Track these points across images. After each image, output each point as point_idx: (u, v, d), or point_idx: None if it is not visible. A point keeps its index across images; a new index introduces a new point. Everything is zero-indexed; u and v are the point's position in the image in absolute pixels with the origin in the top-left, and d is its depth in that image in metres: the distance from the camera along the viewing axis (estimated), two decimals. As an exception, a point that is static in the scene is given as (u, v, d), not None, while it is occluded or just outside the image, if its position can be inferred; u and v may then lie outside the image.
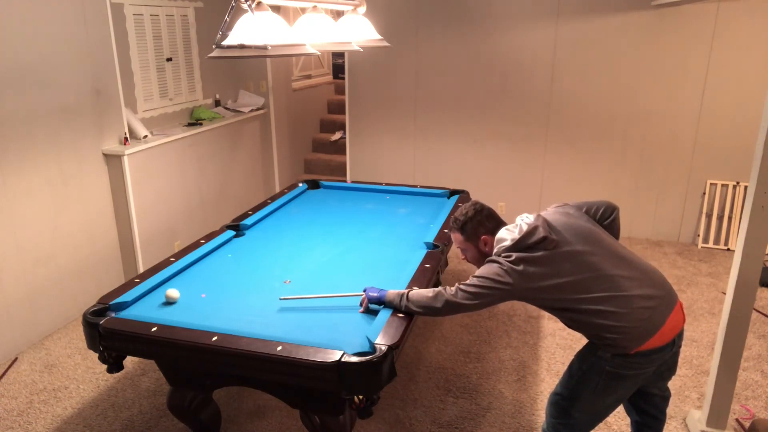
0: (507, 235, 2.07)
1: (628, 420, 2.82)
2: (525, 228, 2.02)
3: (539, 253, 1.95)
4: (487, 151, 5.33)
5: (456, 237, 2.23)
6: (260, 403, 2.94)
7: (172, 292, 2.40)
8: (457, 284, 2.06)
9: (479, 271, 2.04)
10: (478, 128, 5.30)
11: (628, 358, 1.95)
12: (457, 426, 2.77)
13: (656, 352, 1.96)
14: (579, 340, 3.49)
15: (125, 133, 4.02)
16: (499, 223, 2.17)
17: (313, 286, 2.56)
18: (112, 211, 4.01)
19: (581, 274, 1.93)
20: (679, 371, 3.22)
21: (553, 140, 5.17)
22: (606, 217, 2.28)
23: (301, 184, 4.08)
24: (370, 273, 2.72)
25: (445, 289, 2.09)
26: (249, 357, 2.00)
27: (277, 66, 5.87)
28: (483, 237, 2.15)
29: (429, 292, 2.13)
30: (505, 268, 1.96)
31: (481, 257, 2.18)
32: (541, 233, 1.97)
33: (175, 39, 4.71)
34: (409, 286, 2.47)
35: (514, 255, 1.97)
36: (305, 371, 1.94)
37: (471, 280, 2.03)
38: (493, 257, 2.05)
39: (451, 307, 2.05)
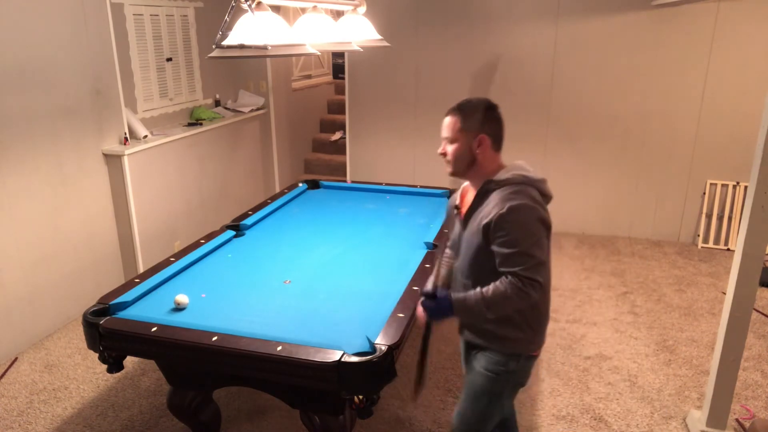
0: (527, 168, 1.85)
1: (628, 420, 2.83)
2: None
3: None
4: (487, 151, 5.32)
5: (451, 121, 1.87)
6: (260, 403, 2.94)
7: (182, 298, 2.35)
8: (510, 274, 1.71)
9: (513, 232, 1.71)
10: (478, 128, 5.29)
11: (529, 361, 1.93)
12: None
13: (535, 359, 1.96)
14: (579, 340, 3.49)
15: (125, 133, 4.02)
16: (502, 138, 1.88)
17: (313, 286, 2.56)
18: (112, 211, 4.01)
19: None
20: (679, 371, 3.23)
21: (553, 140, 5.17)
22: None
23: (301, 184, 4.08)
24: (370, 273, 2.72)
25: (508, 281, 1.72)
26: (249, 357, 1.99)
27: (277, 66, 5.87)
28: (481, 135, 1.82)
29: (498, 289, 1.74)
30: (529, 208, 1.73)
31: (466, 158, 1.85)
32: (551, 193, 1.86)
33: (175, 39, 4.71)
34: (409, 287, 2.47)
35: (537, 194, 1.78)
36: (305, 371, 1.94)
37: (520, 248, 1.70)
38: (515, 187, 1.76)
39: (532, 294, 1.72)
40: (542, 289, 1.74)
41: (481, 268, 1.83)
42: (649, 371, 3.22)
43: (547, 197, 1.86)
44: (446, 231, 3.16)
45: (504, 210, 1.73)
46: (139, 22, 4.32)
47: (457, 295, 1.82)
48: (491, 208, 1.77)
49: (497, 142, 1.87)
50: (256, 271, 2.73)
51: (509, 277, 1.72)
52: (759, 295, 4.08)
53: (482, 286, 1.79)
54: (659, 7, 4.60)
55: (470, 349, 2.03)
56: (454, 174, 1.92)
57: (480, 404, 1.97)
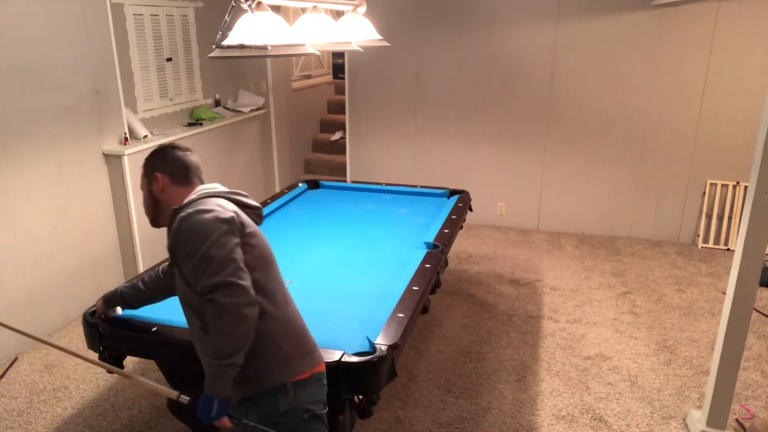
0: (214, 186, 1.75)
1: (628, 420, 2.83)
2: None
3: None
4: (487, 151, 5.33)
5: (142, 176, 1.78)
6: (260, 403, 2.93)
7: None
8: (205, 294, 1.52)
9: (187, 242, 1.56)
10: (478, 128, 5.30)
11: (306, 386, 1.70)
12: (457, 426, 2.77)
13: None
14: (579, 340, 3.50)
15: (125, 133, 4.02)
16: (185, 172, 1.74)
17: (313, 286, 2.56)
18: (112, 211, 4.01)
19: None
20: (679, 371, 3.23)
21: (553, 140, 5.17)
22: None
23: (301, 184, 4.08)
24: (370, 273, 2.72)
25: (208, 313, 1.53)
26: (249, 357, 1.99)
27: (277, 66, 5.87)
28: (156, 174, 1.72)
29: (211, 326, 1.52)
30: (206, 211, 1.58)
31: (150, 202, 1.75)
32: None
33: (175, 39, 4.71)
34: (409, 287, 2.47)
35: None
36: (305, 371, 1.94)
37: (199, 255, 1.53)
38: (194, 204, 1.63)
39: (236, 299, 1.50)
40: (246, 291, 1.51)
41: (195, 309, 1.65)
42: (649, 371, 3.22)
43: (247, 207, 1.74)
44: (446, 231, 3.17)
45: (175, 225, 1.60)
46: (139, 22, 4.32)
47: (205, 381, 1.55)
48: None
49: (177, 177, 1.73)
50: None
51: (207, 299, 1.51)
52: (759, 295, 4.08)
53: (206, 326, 1.58)
54: (659, 7, 4.60)
55: (238, 413, 1.69)
56: (153, 224, 1.79)
57: None
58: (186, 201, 1.68)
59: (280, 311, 1.69)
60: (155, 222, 1.78)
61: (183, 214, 1.60)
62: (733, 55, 4.58)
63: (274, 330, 1.66)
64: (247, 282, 1.53)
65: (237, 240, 1.59)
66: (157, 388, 1.72)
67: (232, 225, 1.60)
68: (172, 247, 1.62)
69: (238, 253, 1.57)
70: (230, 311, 1.49)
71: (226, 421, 1.56)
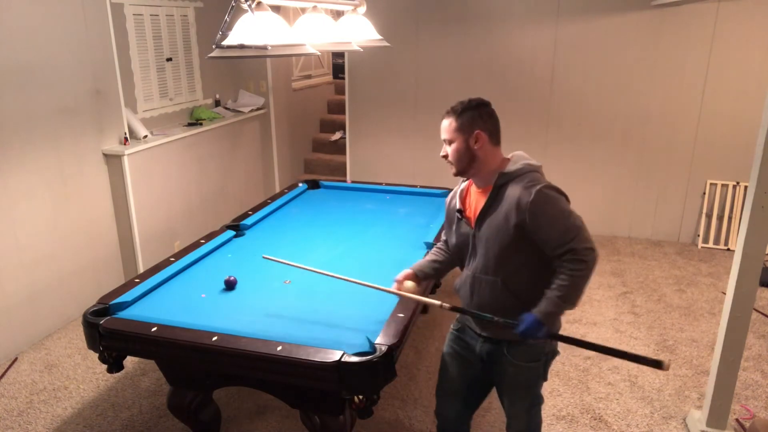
0: (529, 157, 1.92)
1: (628, 420, 2.83)
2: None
3: None
4: (487, 151, 5.32)
5: (447, 123, 1.91)
6: (260, 403, 2.94)
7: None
8: (567, 252, 1.76)
9: (549, 213, 1.77)
10: (478, 128, 5.29)
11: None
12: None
13: None
14: (579, 340, 3.49)
15: (125, 133, 4.02)
16: (499, 132, 1.92)
17: (313, 286, 2.56)
18: (112, 211, 4.01)
19: None
20: (679, 371, 3.23)
21: (553, 140, 5.17)
22: None
23: (301, 184, 4.07)
24: (370, 273, 2.71)
25: (565, 268, 1.78)
26: (249, 357, 2.00)
27: (277, 66, 5.87)
28: (477, 131, 1.86)
29: (564, 281, 1.79)
30: (552, 188, 1.81)
31: (466, 155, 1.89)
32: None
33: (175, 39, 4.71)
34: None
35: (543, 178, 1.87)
36: (305, 371, 1.94)
37: (565, 224, 1.76)
38: (528, 176, 1.83)
39: (593, 263, 1.81)
40: (597, 253, 1.82)
41: (510, 263, 1.85)
42: (649, 371, 3.22)
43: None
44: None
45: (533, 197, 1.77)
46: (139, 22, 4.32)
47: (540, 310, 1.80)
48: (515, 202, 1.79)
49: (494, 137, 1.90)
50: (256, 271, 2.73)
51: (566, 256, 1.77)
52: (759, 295, 4.08)
53: (511, 280, 1.85)
54: (659, 7, 4.60)
55: (498, 350, 1.96)
56: (458, 173, 1.95)
57: (533, 398, 2.03)
58: (512, 168, 1.86)
59: None
60: (462, 172, 1.94)
61: (536, 189, 1.77)
62: (733, 55, 4.58)
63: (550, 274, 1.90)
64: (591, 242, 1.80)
65: None
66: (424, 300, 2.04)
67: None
68: (526, 218, 1.78)
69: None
70: (590, 269, 1.79)
71: (540, 341, 1.90)
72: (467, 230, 1.96)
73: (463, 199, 2.02)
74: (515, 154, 1.92)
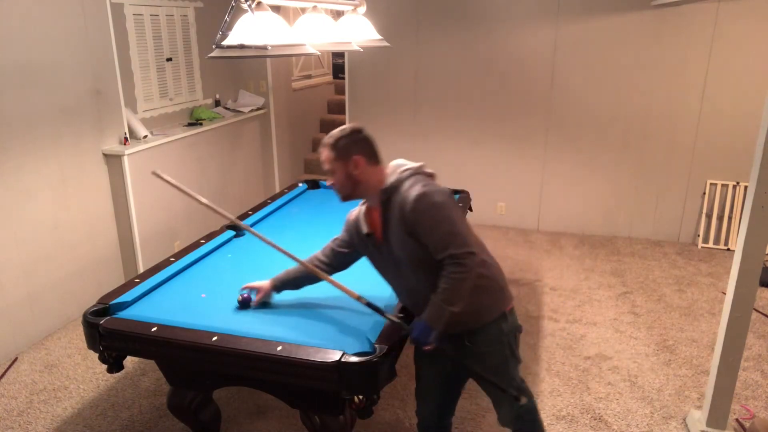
0: (406, 162, 2.01)
1: (628, 420, 2.83)
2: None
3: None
4: (487, 151, 5.33)
5: (325, 156, 1.99)
6: (260, 403, 2.94)
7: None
8: (447, 258, 1.83)
9: (428, 217, 1.84)
10: (478, 128, 5.30)
11: (512, 314, 2.08)
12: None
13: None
14: (579, 340, 3.50)
15: (125, 133, 4.02)
16: (376, 152, 2.01)
17: (313, 285, 2.56)
18: (112, 211, 4.01)
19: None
20: (679, 371, 3.23)
21: (553, 140, 5.17)
22: None
23: (301, 184, 4.07)
24: (369, 273, 2.71)
25: (446, 272, 1.85)
26: (249, 357, 2.00)
27: (277, 66, 5.87)
28: (354, 157, 1.94)
29: (445, 284, 1.86)
30: (430, 192, 1.87)
31: (349, 181, 1.97)
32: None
33: (175, 39, 4.71)
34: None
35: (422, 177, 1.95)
36: (305, 371, 1.94)
37: (442, 230, 1.84)
38: (407, 182, 1.91)
39: (472, 266, 1.85)
40: (476, 255, 1.86)
41: (425, 266, 1.91)
42: (649, 371, 3.22)
43: (431, 176, 2.02)
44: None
45: (411, 205, 1.85)
46: (139, 22, 4.32)
47: (426, 315, 1.90)
48: (399, 212, 1.89)
49: (372, 158, 2.00)
50: (256, 271, 2.73)
51: (447, 260, 1.84)
52: (759, 295, 4.08)
53: (432, 281, 1.89)
54: (659, 7, 4.60)
55: (459, 342, 2.03)
56: (345, 199, 2.04)
57: (508, 380, 2.07)
58: (391, 180, 1.94)
59: (489, 257, 2.07)
60: (348, 197, 2.03)
61: (413, 194, 1.84)
62: (733, 55, 4.58)
63: (492, 272, 2.03)
64: (474, 247, 1.87)
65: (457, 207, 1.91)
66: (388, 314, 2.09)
67: (452, 197, 1.93)
68: (410, 225, 1.85)
69: (466, 222, 1.94)
70: (469, 273, 1.84)
71: (432, 346, 1.93)
72: (380, 247, 2.05)
73: (370, 220, 2.09)
74: (391, 165, 2.00)
